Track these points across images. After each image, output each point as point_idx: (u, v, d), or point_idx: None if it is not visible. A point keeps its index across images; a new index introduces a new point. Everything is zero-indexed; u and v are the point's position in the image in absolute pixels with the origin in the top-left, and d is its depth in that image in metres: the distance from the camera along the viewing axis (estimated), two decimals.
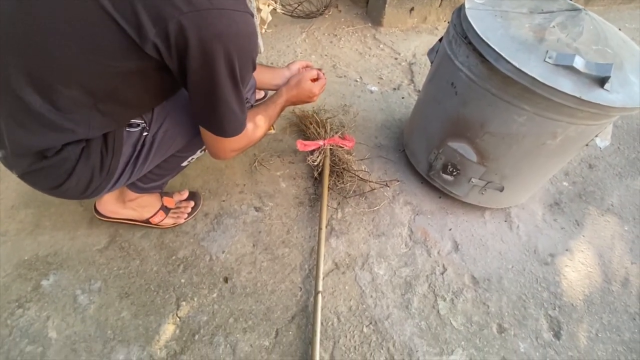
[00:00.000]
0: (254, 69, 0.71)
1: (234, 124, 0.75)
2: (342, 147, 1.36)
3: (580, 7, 1.01)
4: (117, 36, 0.56)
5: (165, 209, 1.12)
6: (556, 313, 1.10)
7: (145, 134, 0.78)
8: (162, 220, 1.12)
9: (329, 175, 1.28)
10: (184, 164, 1.00)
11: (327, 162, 1.29)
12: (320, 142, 1.32)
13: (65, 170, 0.71)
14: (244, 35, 0.63)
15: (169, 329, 0.96)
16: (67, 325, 0.94)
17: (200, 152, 1.00)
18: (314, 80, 1.09)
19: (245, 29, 0.63)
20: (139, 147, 0.79)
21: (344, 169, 1.31)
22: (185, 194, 1.19)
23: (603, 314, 1.11)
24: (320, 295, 0.99)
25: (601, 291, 1.17)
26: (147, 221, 1.10)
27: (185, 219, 1.15)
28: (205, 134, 0.78)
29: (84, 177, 0.74)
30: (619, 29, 1.10)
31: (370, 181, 1.32)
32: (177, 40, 0.57)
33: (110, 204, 1.06)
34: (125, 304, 0.99)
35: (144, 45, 0.57)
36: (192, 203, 1.17)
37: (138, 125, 0.76)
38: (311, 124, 1.41)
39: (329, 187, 1.25)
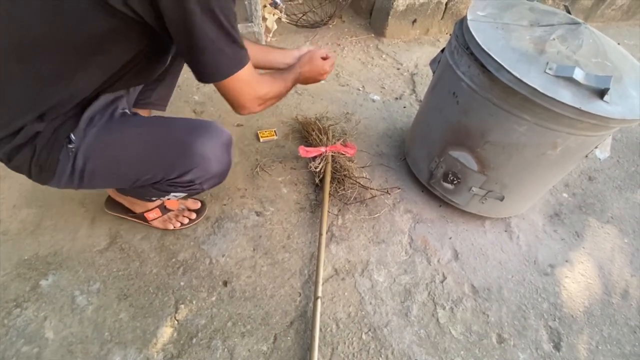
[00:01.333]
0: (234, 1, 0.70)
1: (227, 60, 0.70)
2: (344, 155, 1.37)
3: (580, 20, 1.03)
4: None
5: (164, 209, 1.12)
6: (556, 324, 1.09)
7: (72, 156, 0.74)
8: (155, 219, 1.12)
9: (330, 182, 1.29)
10: (155, 198, 0.96)
11: (329, 168, 1.30)
12: (322, 149, 1.33)
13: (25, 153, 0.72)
14: None
15: (166, 332, 0.95)
16: (65, 326, 0.94)
17: (172, 195, 0.93)
18: (324, 59, 1.09)
19: None
20: (70, 167, 0.75)
21: (345, 175, 1.31)
22: (197, 206, 1.18)
23: (603, 326, 1.11)
24: (319, 301, 0.98)
25: (601, 303, 1.16)
26: (140, 215, 1.10)
27: (175, 227, 1.14)
28: (218, 85, 0.75)
29: (34, 166, 0.74)
30: (618, 44, 1.12)
31: (371, 188, 1.33)
32: None
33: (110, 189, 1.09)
34: (123, 305, 0.99)
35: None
36: (193, 215, 1.16)
37: (72, 142, 0.73)
38: (313, 130, 1.42)
39: (330, 194, 1.26)
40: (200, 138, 0.79)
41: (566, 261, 1.26)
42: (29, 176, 0.77)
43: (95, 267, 1.05)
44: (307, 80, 1.07)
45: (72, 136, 0.72)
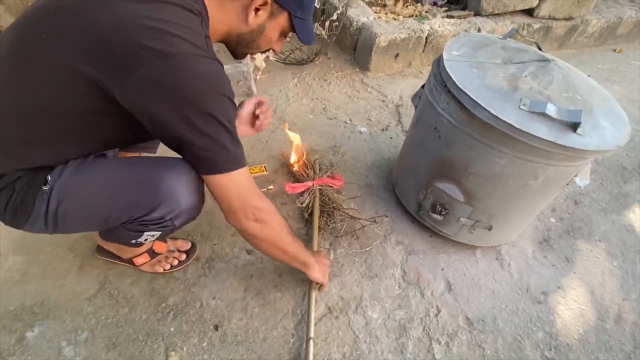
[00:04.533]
0: (232, 103, 0.71)
1: (226, 156, 0.71)
2: (332, 187, 1.39)
3: (550, 57, 1.09)
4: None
5: (152, 253, 1.11)
6: (552, 354, 1.09)
7: (47, 197, 0.73)
8: (143, 264, 1.10)
9: (320, 215, 1.30)
10: (134, 241, 0.92)
11: (317, 203, 1.31)
12: (309, 183, 1.35)
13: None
14: (198, 77, 0.64)
15: None
16: None
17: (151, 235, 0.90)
18: (255, 115, 1.10)
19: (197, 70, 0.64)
20: (44, 209, 0.74)
21: (334, 208, 1.33)
22: (187, 246, 1.17)
23: (599, 354, 1.10)
24: (312, 342, 0.97)
25: (596, 329, 1.16)
26: (129, 260, 1.10)
27: (165, 270, 1.12)
28: (210, 181, 0.74)
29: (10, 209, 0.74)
30: (588, 75, 1.18)
31: (360, 218, 1.34)
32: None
33: (97, 236, 1.08)
34: (112, 355, 0.96)
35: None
36: (183, 256, 1.15)
37: (47, 183, 0.73)
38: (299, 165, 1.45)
39: (320, 228, 1.26)
40: (166, 173, 0.78)
41: (558, 287, 1.26)
42: (3, 219, 0.76)
43: (83, 316, 1.03)
44: (320, 270, 1.03)
45: (49, 177, 0.72)
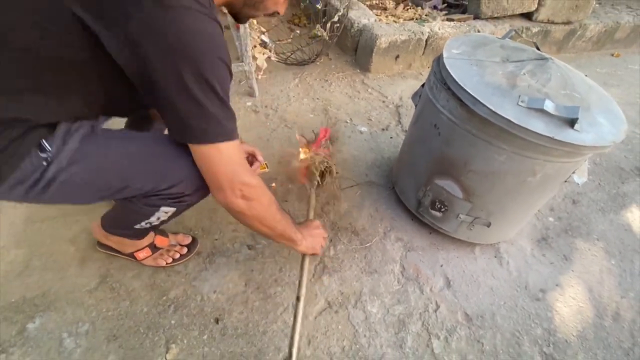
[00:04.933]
0: (229, 71, 0.67)
1: (216, 126, 0.66)
2: (323, 146, 1.40)
3: (547, 56, 1.11)
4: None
5: (154, 247, 1.12)
6: (551, 350, 1.09)
7: (45, 164, 0.67)
8: (145, 258, 1.11)
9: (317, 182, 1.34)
10: (137, 226, 0.93)
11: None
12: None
13: None
14: (198, 35, 0.61)
15: None
16: None
17: (161, 217, 0.90)
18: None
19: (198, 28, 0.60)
20: (37, 175, 0.68)
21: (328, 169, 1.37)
22: (188, 240, 1.18)
23: (597, 350, 1.11)
24: (301, 300, 0.95)
25: (594, 326, 1.17)
26: (130, 255, 1.10)
27: (167, 263, 1.13)
28: (198, 157, 0.70)
29: None
30: (586, 75, 1.19)
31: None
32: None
33: (97, 231, 1.08)
34: (112, 347, 0.97)
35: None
36: (184, 249, 1.16)
37: (45, 151, 0.67)
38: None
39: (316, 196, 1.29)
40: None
41: (557, 285, 1.27)
42: None
43: (85, 308, 1.03)
44: (307, 245, 1.01)
45: (45, 144, 0.66)
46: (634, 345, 1.13)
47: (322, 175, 1.36)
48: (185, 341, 0.99)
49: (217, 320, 1.05)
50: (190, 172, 0.77)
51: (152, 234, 1.13)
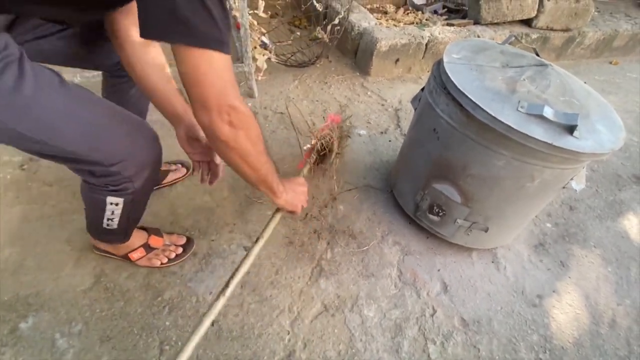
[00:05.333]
0: None
1: (211, 29, 0.56)
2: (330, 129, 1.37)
3: (547, 62, 1.11)
4: None
5: (148, 248, 1.11)
6: (547, 356, 1.09)
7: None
8: (140, 259, 1.10)
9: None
10: (104, 225, 0.90)
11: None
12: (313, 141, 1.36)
13: None
14: None
15: None
16: None
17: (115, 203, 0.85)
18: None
19: None
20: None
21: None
22: (182, 241, 1.18)
23: (593, 358, 1.10)
24: (260, 242, 0.95)
25: (590, 334, 1.16)
26: (125, 256, 1.09)
27: (162, 263, 1.12)
28: (183, 63, 0.58)
29: None
30: (585, 82, 1.20)
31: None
32: None
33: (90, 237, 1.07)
34: (105, 348, 0.96)
35: None
36: (180, 250, 1.15)
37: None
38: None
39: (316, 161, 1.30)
40: (133, 130, 0.77)
41: (553, 291, 1.27)
42: None
43: (78, 308, 1.02)
44: (288, 199, 0.94)
45: None
46: (630, 354, 1.13)
47: (322, 151, 1.35)
48: (179, 343, 0.98)
49: (212, 322, 1.03)
50: (132, 153, 0.75)
51: (145, 234, 1.12)
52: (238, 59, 1.87)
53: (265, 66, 1.97)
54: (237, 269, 0.87)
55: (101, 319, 1.01)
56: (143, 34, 0.57)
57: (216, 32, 0.57)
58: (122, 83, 1.06)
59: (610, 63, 2.98)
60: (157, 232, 1.15)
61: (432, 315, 1.14)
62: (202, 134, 0.89)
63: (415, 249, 1.32)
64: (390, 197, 1.49)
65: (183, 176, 1.41)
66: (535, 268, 1.33)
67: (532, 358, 1.08)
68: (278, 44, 2.20)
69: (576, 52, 2.85)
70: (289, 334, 1.04)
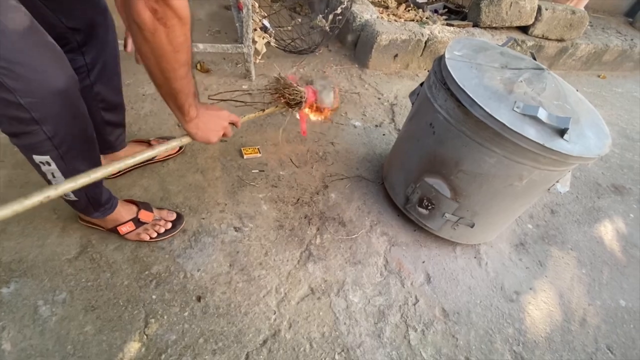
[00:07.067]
0: None
1: None
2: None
3: (544, 67, 1.15)
4: None
5: (137, 222, 1.10)
6: (520, 349, 1.14)
7: None
8: (128, 233, 1.09)
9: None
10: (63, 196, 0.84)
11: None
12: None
13: None
14: None
15: (134, 347, 0.92)
16: (24, 338, 0.89)
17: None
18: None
19: None
20: None
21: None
22: (172, 217, 1.16)
23: (563, 352, 1.16)
24: (155, 150, 0.81)
25: (561, 330, 1.22)
26: (113, 229, 1.08)
27: (151, 238, 1.11)
28: None
29: None
30: (577, 90, 1.24)
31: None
32: None
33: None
34: (90, 318, 0.95)
35: None
36: (169, 225, 1.14)
37: None
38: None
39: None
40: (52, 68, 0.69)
41: (530, 289, 1.32)
42: None
43: (63, 277, 1.01)
44: (198, 125, 0.83)
45: None
46: (597, 350, 1.19)
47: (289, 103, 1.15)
48: (165, 317, 0.99)
49: (199, 299, 1.04)
50: (42, 79, 0.67)
51: (134, 208, 1.11)
52: (236, 40, 1.85)
53: (264, 50, 1.95)
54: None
55: (86, 289, 1.00)
56: None
57: None
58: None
59: (599, 76, 3.08)
60: (147, 207, 1.14)
61: (414, 304, 1.17)
62: None
63: (402, 240, 1.35)
64: (381, 189, 1.51)
65: (175, 153, 1.39)
66: (514, 266, 1.38)
67: (506, 350, 1.13)
68: (278, 28, 2.18)
69: (567, 63, 2.93)
70: (275, 313, 1.05)
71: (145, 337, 0.94)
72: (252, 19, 1.81)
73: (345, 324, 1.08)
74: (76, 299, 0.97)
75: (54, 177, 0.83)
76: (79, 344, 0.90)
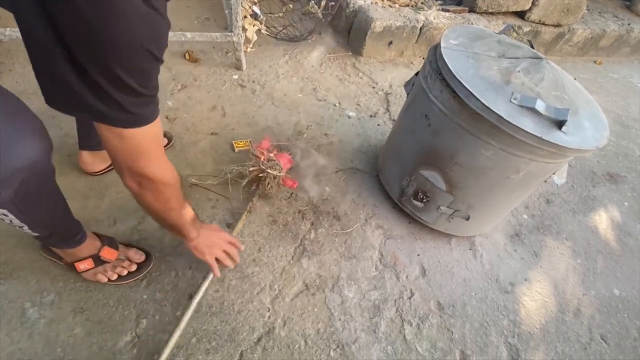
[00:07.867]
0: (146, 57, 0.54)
1: (115, 110, 0.56)
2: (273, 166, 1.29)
3: (542, 55, 1.12)
4: None
5: (98, 260, 0.96)
6: (515, 341, 1.14)
7: None
8: (86, 271, 0.96)
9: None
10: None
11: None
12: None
13: None
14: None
15: (125, 349, 0.91)
16: (12, 341, 0.87)
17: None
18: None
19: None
20: None
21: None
22: (140, 258, 1.03)
23: (557, 343, 1.17)
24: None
25: (556, 321, 1.23)
26: (71, 264, 0.96)
27: (110, 280, 0.98)
28: (100, 134, 0.61)
29: None
30: (574, 79, 1.21)
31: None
32: None
33: None
34: (79, 319, 0.93)
35: None
36: (134, 267, 1.01)
37: None
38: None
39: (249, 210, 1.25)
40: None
41: (525, 280, 1.32)
42: None
43: (51, 278, 0.98)
44: (198, 245, 0.95)
45: None
46: (591, 341, 1.20)
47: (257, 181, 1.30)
48: (157, 317, 0.97)
49: (191, 297, 1.02)
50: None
51: (98, 243, 0.98)
52: (226, 27, 1.79)
53: (255, 38, 1.90)
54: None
55: (75, 290, 0.97)
56: (48, 102, 0.58)
57: (122, 115, 0.58)
58: None
59: (595, 62, 3.05)
60: (112, 243, 1.01)
61: (409, 298, 1.17)
62: None
63: (397, 233, 1.33)
64: (376, 181, 1.49)
65: (165, 146, 1.35)
66: (509, 257, 1.38)
67: (501, 342, 1.13)
68: (269, 15, 2.12)
69: (564, 49, 2.89)
70: (269, 311, 1.04)
71: (136, 338, 0.93)
72: (242, 6, 1.75)
73: (340, 319, 1.07)
74: (65, 301, 0.95)
75: (13, 225, 0.75)
76: (69, 346, 0.88)
